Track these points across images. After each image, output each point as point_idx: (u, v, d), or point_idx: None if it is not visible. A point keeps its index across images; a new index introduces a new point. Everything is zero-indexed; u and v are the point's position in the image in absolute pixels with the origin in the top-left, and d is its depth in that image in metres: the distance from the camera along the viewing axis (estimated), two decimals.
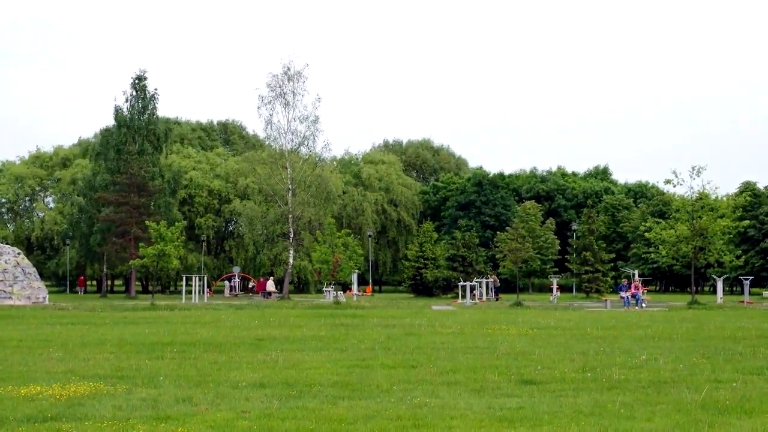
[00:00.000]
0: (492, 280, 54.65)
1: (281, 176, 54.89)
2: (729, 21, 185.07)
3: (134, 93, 61.38)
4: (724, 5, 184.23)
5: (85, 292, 74.23)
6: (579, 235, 65.54)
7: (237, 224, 74.29)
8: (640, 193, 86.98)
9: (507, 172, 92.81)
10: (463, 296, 48.46)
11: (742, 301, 46.39)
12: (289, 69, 54.42)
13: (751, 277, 54.30)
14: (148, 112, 61.59)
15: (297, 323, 25.93)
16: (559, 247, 68.77)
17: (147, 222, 47.59)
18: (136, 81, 61.40)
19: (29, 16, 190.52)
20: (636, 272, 52.82)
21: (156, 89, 61.94)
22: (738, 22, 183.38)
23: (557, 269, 68.71)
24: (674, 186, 45.50)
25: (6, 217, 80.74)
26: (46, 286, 53.44)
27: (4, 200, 79.02)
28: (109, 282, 79.71)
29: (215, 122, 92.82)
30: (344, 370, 13.51)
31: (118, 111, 60.71)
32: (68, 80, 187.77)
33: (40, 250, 77.47)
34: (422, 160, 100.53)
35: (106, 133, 61.69)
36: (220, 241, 79.48)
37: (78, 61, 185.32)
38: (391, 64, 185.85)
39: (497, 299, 51.88)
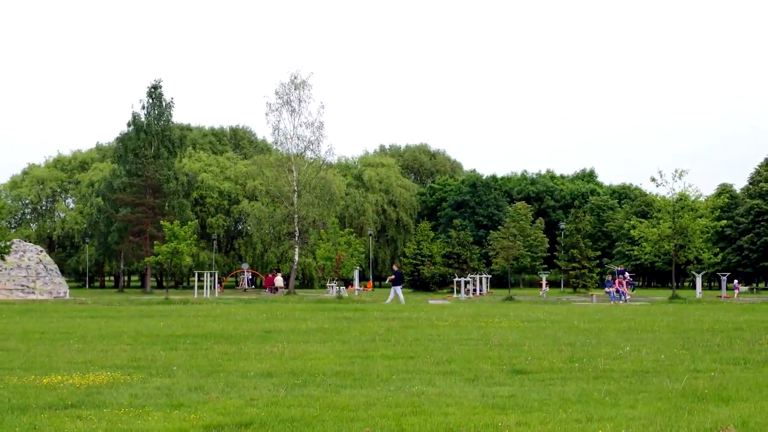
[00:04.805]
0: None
1: (287, 179, 54.85)
2: (714, 28, 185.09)
3: (150, 100, 61.39)
4: (707, 15, 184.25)
5: (102, 286, 74.17)
6: (567, 234, 65.57)
7: (246, 224, 74.30)
8: (624, 194, 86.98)
9: (499, 175, 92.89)
10: (458, 291, 48.44)
11: (720, 296, 46.38)
12: (295, 78, 54.42)
13: (728, 273, 54.35)
14: (164, 118, 61.60)
15: (302, 317, 25.87)
16: (548, 245, 68.79)
17: (161, 221, 47.56)
18: (152, 89, 61.42)
19: (50, 27, 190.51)
20: (626, 272, 51.65)
21: (172, 98, 62.17)
22: (722, 30, 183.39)
23: (546, 266, 68.75)
24: (657, 186, 45.52)
25: (29, 217, 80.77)
26: (67, 281, 53.39)
27: (27, 201, 79.04)
28: (126, 278, 79.76)
29: (226, 128, 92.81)
30: (346, 360, 13.49)
31: (135, 117, 60.71)
32: (86, 87, 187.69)
33: (61, 248, 77.52)
34: (419, 164, 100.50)
35: (124, 137, 61.73)
36: (230, 239, 79.48)
37: (94, 69, 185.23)
38: (389, 72, 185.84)
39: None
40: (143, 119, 60.82)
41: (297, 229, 54.50)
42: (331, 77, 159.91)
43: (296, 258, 56.17)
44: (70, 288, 53.67)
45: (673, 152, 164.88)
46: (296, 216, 54.03)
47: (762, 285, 71.97)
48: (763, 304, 37.96)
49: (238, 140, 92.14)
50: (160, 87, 61.61)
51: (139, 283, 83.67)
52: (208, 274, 50.06)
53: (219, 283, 56.02)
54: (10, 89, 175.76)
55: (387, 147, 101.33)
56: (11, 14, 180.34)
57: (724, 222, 49.59)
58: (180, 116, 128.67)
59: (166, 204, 59.03)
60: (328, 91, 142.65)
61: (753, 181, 70.52)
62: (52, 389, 10.40)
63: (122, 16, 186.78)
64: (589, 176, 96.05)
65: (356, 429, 7.96)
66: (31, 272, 46.06)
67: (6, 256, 43.86)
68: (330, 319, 24.28)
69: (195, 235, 49.82)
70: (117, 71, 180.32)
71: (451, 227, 69.87)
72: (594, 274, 61.47)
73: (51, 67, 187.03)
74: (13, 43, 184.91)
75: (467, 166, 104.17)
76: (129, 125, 60.99)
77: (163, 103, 61.56)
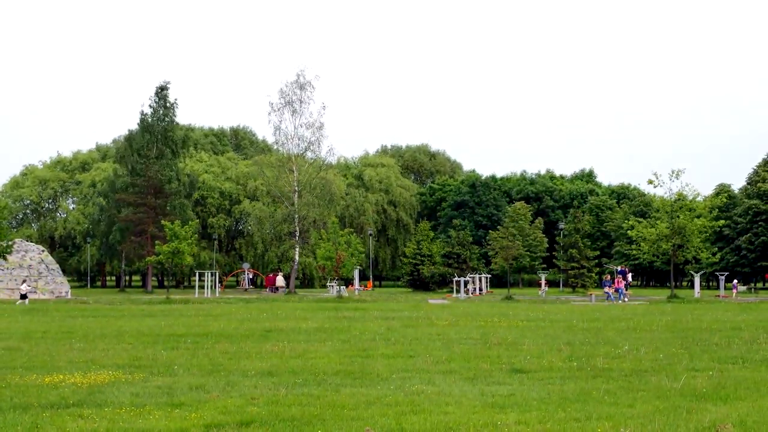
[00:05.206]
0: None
1: (288, 179, 54.82)
2: (713, 28, 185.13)
3: (156, 101, 61.35)
4: (707, 15, 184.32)
5: (104, 285, 74.12)
6: (566, 234, 65.54)
7: (246, 224, 74.24)
8: (622, 194, 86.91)
9: (499, 175, 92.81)
10: (458, 291, 48.42)
11: (718, 296, 46.35)
12: (299, 78, 54.39)
13: (727, 273, 54.30)
14: (168, 119, 61.57)
15: (303, 316, 25.90)
16: (547, 245, 68.79)
17: (163, 222, 47.55)
18: (159, 90, 61.37)
19: (50, 29, 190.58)
20: (628, 271, 50.93)
21: (176, 99, 62.09)
22: (722, 30, 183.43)
23: (545, 265, 68.70)
24: (655, 186, 45.49)
25: (30, 217, 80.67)
26: (68, 281, 53.39)
27: (28, 201, 78.93)
28: (127, 277, 79.73)
29: (226, 128, 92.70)
30: (347, 359, 13.50)
31: (143, 117, 60.66)
32: (86, 88, 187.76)
33: (62, 248, 77.43)
34: (419, 164, 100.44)
35: (130, 137, 61.70)
36: (230, 239, 79.42)
37: (94, 70, 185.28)
38: (389, 73, 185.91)
39: None
40: (149, 120, 60.85)
41: (297, 228, 54.49)
42: (332, 78, 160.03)
43: (297, 258, 56.14)
44: (72, 288, 53.66)
45: (671, 152, 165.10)
46: (297, 216, 54.02)
47: (760, 284, 71.94)
48: (761, 303, 37.99)
49: (239, 141, 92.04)
50: (167, 89, 61.60)
51: (140, 283, 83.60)
52: (209, 274, 50.04)
53: (220, 282, 55.97)
54: (10, 89, 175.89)
55: (387, 147, 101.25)
56: (12, 15, 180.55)
57: (722, 222, 49.56)
58: (181, 117, 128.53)
59: (168, 204, 59.01)
60: (329, 92, 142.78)
61: (751, 181, 70.53)
62: (54, 388, 10.40)
63: (123, 17, 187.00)
64: (588, 176, 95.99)
65: (356, 427, 7.96)
66: (32, 272, 46.06)
67: (8, 256, 43.86)
68: (330, 319, 24.30)
69: (196, 235, 49.77)
70: (117, 72, 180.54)
71: (450, 227, 69.85)
72: (593, 274, 61.45)
73: (51, 68, 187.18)
74: (14, 43, 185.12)
75: (467, 167, 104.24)
76: (139, 124, 61.00)
77: (168, 105, 61.55)
